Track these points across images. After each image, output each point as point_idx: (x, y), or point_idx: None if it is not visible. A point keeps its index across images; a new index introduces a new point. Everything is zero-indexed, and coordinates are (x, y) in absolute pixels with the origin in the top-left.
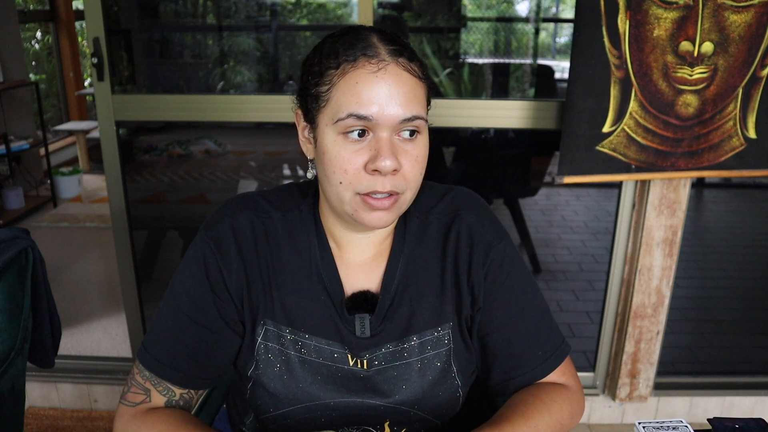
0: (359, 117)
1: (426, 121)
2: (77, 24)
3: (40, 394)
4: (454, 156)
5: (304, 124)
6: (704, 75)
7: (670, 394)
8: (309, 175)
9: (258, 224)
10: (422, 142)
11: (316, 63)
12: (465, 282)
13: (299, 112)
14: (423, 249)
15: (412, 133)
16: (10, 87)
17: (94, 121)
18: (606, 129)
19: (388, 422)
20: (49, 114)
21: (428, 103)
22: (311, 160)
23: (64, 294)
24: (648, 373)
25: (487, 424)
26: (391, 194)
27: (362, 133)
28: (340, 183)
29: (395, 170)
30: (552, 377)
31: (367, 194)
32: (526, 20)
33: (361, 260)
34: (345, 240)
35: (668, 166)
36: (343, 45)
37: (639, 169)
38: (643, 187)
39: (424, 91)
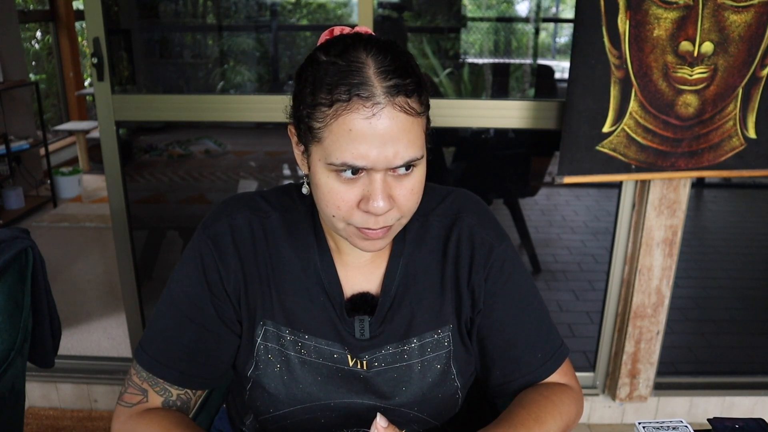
0: (353, 167)
1: (424, 156)
2: (77, 24)
3: (40, 394)
4: (454, 156)
5: (297, 140)
6: (704, 75)
7: (670, 394)
8: (304, 191)
9: (257, 224)
10: (418, 173)
11: (308, 93)
12: (465, 284)
13: (293, 130)
14: (423, 251)
15: (408, 166)
16: (10, 87)
17: (94, 121)
18: (606, 129)
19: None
20: (49, 114)
21: (428, 127)
22: (306, 175)
23: (64, 294)
24: (648, 373)
25: (499, 423)
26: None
27: (355, 171)
28: (333, 216)
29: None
30: (554, 378)
31: (360, 227)
32: (526, 20)
33: (360, 262)
34: (344, 242)
35: (668, 166)
36: (336, 75)
37: (639, 169)
38: (643, 187)
39: (421, 127)
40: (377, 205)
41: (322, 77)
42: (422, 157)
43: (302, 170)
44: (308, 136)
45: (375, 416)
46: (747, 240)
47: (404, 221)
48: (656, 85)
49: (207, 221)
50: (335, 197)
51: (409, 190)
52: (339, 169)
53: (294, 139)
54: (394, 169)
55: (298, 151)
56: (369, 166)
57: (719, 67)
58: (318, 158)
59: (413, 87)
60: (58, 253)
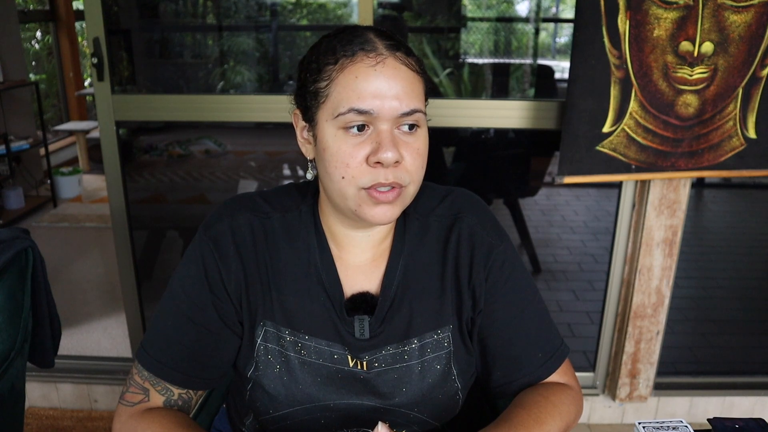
0: (360, 111)
1: (425, 114)
2: (77, 24)
3: (40, 394)
4: (454, 156)
5: (303, 123)
6: (704, 75)
7: (670, 394)
8: (309, 176)
9: (257, 225)
10: (422, 135)
11: (313, 60)
12: (466, 284)
13: (297, 112)
14: (423, 251)
15: (412, 126)
16: (10, 87)
17: (94, 121)
18: (606, 129)
19: (387, 424)
20: (49, 114)
21: (426, 98)
22: (311, 161)
23: (64, 294)
24: (648, 373)
25: (498, 424)
26: (394, 186)
27: (362, 127)
28: (343, 178)
29: (397, 162)
30: (554, 378)
31: (371, 188)
32: (526, 20)
33: (360, 261)
34: (345, 240)
35: (668, 166)
36: (340, 42)
37: (639, 169)
38: (643, 187)
39: (421, 85)
40: (387, 155)
41: (326, 47)
42: (425, 117)
43: (307, 155)
44: (314, 102)
45: (375, 417)
46: (747, 240)
47: (412, 189)
48: (656, 85)
49: (208, 222)
50: (344, 155)
51: (415, 150)
52: (347, 121)
53: (300, 123)
54: (399, 123)
55: (302, 138)
56: (375, 111)
57: (719, 67)
58: (325, 119)
59: (410, 50)
60: (58, 253)
